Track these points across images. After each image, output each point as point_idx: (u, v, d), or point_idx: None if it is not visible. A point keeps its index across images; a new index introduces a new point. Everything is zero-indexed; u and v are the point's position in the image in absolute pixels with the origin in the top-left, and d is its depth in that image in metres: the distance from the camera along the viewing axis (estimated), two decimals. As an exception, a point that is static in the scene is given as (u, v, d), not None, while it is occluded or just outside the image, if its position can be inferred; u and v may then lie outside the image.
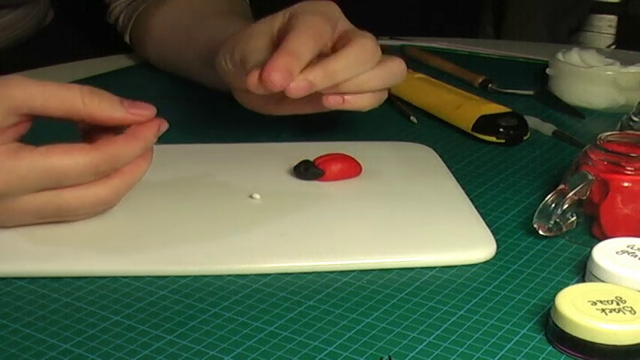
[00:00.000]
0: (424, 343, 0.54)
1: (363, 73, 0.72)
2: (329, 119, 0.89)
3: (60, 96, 0.61)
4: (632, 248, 0.60)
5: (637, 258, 0.59)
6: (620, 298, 0.54)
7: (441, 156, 0.80)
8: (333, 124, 0.89)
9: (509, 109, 0.87)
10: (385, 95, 0.77)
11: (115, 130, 0.63)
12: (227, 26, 0.86)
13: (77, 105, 0.61)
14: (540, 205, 0.65)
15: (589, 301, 0.53)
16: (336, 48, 0.73)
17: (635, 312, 0.53)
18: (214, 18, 0.94)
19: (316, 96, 0.72)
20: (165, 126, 0.64)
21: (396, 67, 0.75)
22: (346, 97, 0.72)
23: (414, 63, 1.12)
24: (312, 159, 0.74)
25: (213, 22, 0.93)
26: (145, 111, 0.63)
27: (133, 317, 0.56)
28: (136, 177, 0.64)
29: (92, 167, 0.61)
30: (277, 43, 0.71)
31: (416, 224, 0.67)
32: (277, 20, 0.76)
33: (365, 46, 0.72)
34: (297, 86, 0.68)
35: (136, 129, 0.63)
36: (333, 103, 0.72)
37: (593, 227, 0.66)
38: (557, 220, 0.65)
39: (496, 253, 0.64)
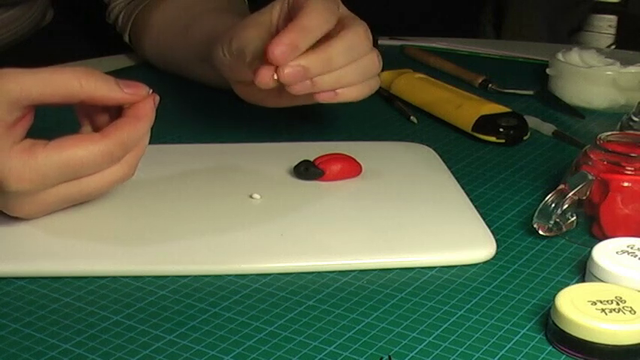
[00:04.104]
0: (424, 343, 0.54)
1: (356, 59, 0.72)
2: (329, 119, 0.89)
3: (55, 82, 0.60)
4: (632, 248, 0.60)
5: (637, 258, 0.59)
6: (620, 298, 0.54)
7: (441, 156, 0.80)
8: (333, 124, 0.89)
9: (509, 109, 0.87)
10: (378, 83, 0.76)
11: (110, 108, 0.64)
12: (223, 22, 0.86)
13: (74, 88, 0.61)
14: (540, 205, 0.65)
15: (589, 301, 0.53)
16: (330, 34, 0.72)
17: (635, 312, 0.53)
18: (211, 14, 0.94)
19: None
20: (157, 99, 0.64)
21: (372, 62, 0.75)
22: (338, 90, 0.72)
23: (414, 63, 1.12)
24: (312, 159, 0.73)
25: (209, 18, 0.93)
26: (140, 90, 0.63)
27: (133, 317, 0.56)
28: (143, 146, 0.64)
29: (107, 155, 0.61)
30: (275, 34, 0.70)
31: (416, 224, 0.67)
32: (275, 10, 0.75)
33: (359, 33, 0.72)
34: (292, 72, 0.68)
35: (137, 108, 0.63)
36: (326, 98, 0.73)
37: (593, 227, 0.66)
38: (557, 220, 0.65)
39: (496, 253, 0.64)
